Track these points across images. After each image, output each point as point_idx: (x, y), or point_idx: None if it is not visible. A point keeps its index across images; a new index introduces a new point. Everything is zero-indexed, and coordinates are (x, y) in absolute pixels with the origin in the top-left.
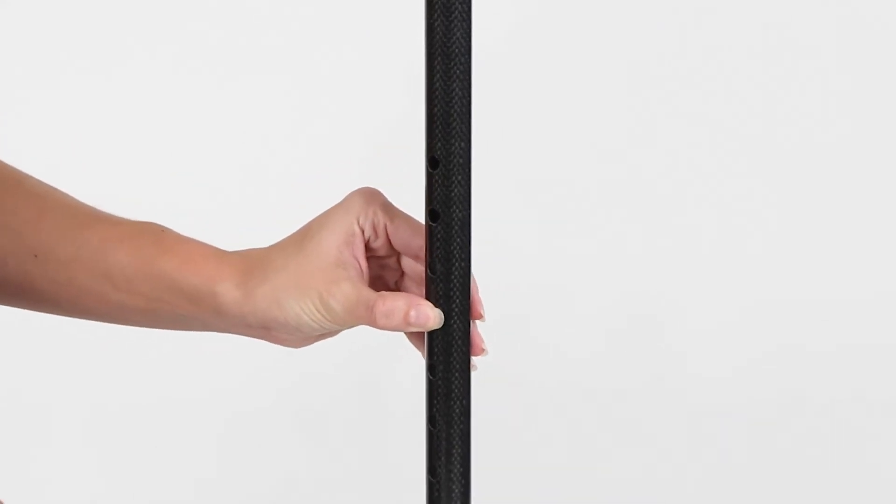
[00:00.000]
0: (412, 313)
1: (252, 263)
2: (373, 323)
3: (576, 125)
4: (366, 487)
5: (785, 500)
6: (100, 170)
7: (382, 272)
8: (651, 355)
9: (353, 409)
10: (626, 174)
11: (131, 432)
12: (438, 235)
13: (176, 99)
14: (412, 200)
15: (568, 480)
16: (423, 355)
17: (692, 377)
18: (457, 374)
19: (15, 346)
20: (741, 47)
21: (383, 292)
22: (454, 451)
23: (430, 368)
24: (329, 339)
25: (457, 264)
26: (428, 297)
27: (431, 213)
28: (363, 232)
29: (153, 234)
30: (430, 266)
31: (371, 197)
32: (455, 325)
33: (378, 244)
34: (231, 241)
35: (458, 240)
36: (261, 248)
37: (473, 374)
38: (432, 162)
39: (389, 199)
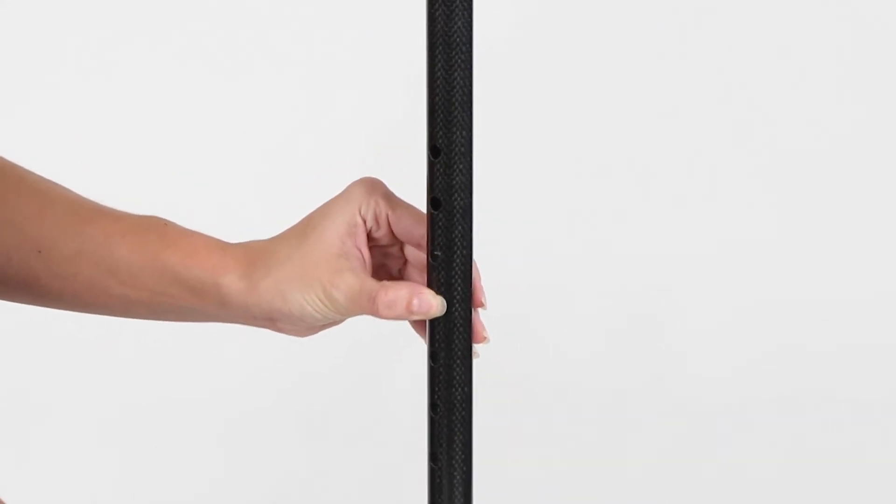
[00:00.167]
0: (414, 302)
1: (255, 255)
2: (375, 313)
3: (576, 125)
4: (366, 487)
5: (785, 499)
6: (101, 168)
7: (385, 261)
8: (651, 355)
9: (354, 408)
10: (626, 173)
11: (132, 432)
12: (440, 223)
13: (177, 96)
14: (414, 198)
15: (568, 480)
16: (425, 342)
17: (692, 377)
18: (458, 361)
19: (16, 346)
20: (741, 47)
21: (385, 282)
22: (455, 437)
23: (432, 355)
24: (329, 340)
25: (458, 252)
26: (429, 285)
27: (433, 201)
28: (365, 222)
29: (156, 228)
30: (431, 254)
31: (372, 187)
32: (457, 313)
33: (380, 234)
34: (232, 239)
35: (460, 227)
36: (263, 240)
37: (474, 373)
38: (434, 150)
39: (391, 189)
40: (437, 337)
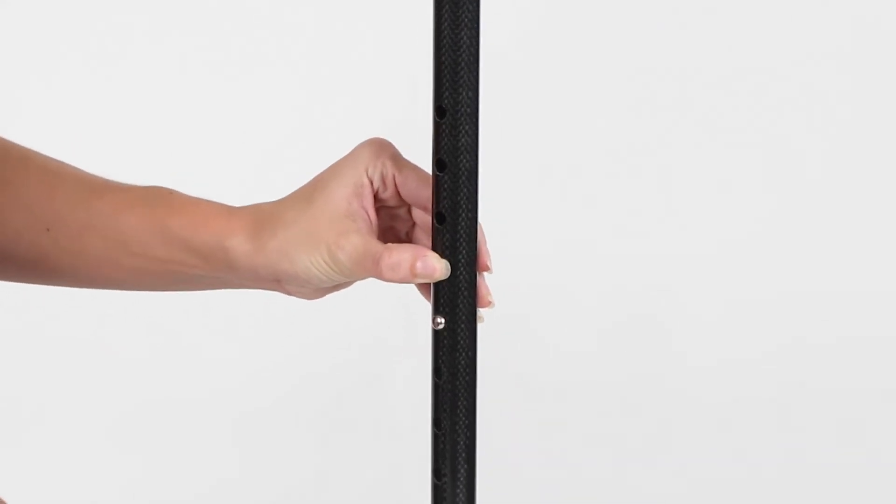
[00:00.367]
0: (418, 265)
1: (262, 217)
2: (379, 275)
3: (575, 125)
4: (366, 487)
5: (787, 495)
6: (101, 168)
7: (393, 223)
8: (651, 354)
9: (354, 408)
10: (626, 173)
11: (132, 433)
12: (445, 185)
13: (177, 98)
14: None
15: (569, 479)
16: (430, 305)
17: (692, 375)
18: (463, 326)
19: (21, 345)
20: (740, 47)
21: (390, 244)
22: (459, 402)
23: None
24: (329, 340)
25: (463, 214)
26: (434, 248)
27: (438, 162)
28: (372, 183)
29: (162, 197)
30: (436, 216)
31: (380, 148)
32: (461, 276)
33: (387, 195)
34: None
35: (465, 190)
36: (271, 202)
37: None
38: (439, 111)
39: (399, 151)
40: (442, 301)
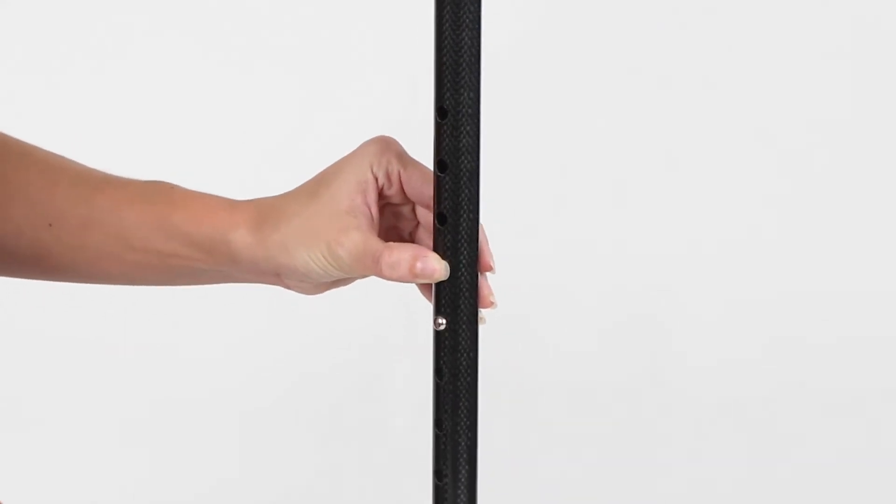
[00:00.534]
0: (418, 265)
1: (265, 210)
2: (379, 273)
3: (576, 125)
4: (367, 487)
5: (787, 495)
6: (103, 164)
7: (397, 222)
8: (651, 353)
9: (354, 408)
10: (626, 173)
11: (132, 433)
12: (447, 186)
13: (178, 97)
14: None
15: (570, 479)
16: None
17: (692, 375)
18: (464, 326)
19: (18, 347)
20: (739, 47)
21: (391, 243)
22: (461, 403)
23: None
24: (330, 340)
25: (465, 215)
26: (436, 249)
27: (440, 163)
28: (377, 179)
29: (163, 192)
30: (438, 217)
31: (386, 145)
32: (463, 277)
33: (392, 192)
34: None
35: (467, 191)
36: (274, 196)
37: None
38: (441, 112)
39: (404, 149)
40: (443, 301)
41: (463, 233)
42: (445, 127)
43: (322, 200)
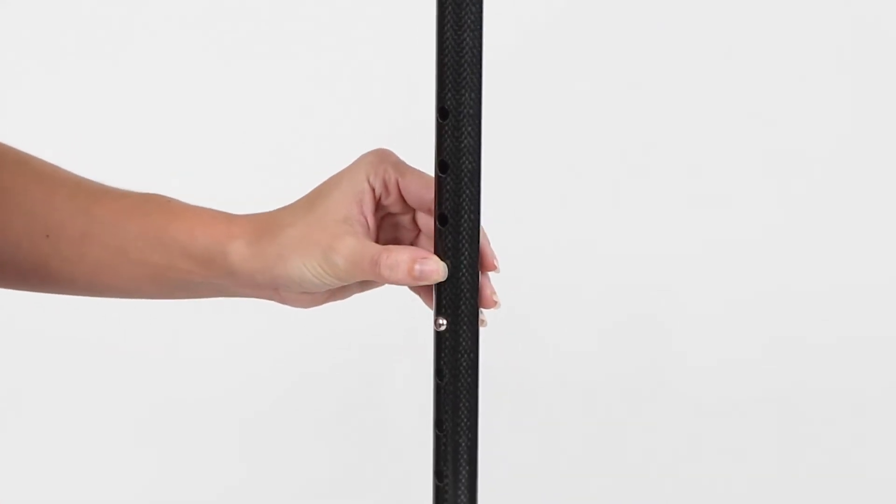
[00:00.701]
0: (417, 266)
1: (263, 223)
2: (378, 276)
3: (577, 125)
4: (367, 488)
5: (788, 495)
6: (101, 168)
7: (397, 233)
8: (651, 354)
9: (354, 409)
10: (626, 173)
11: (132, 434)
12: (448, 187)
13: (178, 100)
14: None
15: (570, 480)
16: (432, 308)
17: (692, 375)
18: (464, 327)
19: (21, 349)
20: (739, 47)
21: (389, 246)
22: (461, 403)
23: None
24: (330, 340)
25: (466, 216)
26: (437, 250)
27: (441, 164)
28: (374, 190)
29: (160, 204)
30: (439, 217)
31: (382, 155)
32: (464, 278)
33: (390, 201)
34: None
35: (468, 191)
36: (271, 210)
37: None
38: (442, 112)
39: (401, 158)
40: (444, 302)
41: (464, 233)
42: (447, 127)
43: (318, 211)
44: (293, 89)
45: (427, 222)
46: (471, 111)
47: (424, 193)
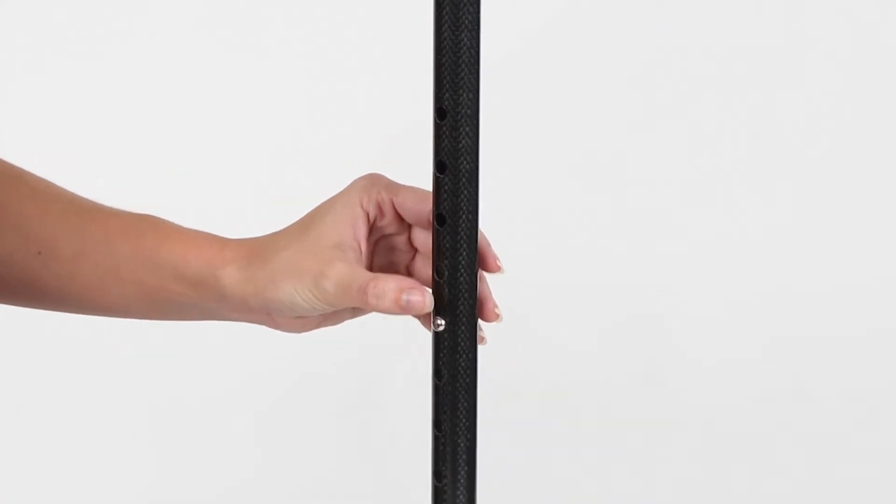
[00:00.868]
0: (403, 297)
1: (255, 248)
2: (365, 304)
3: (576, 125)
4: (366, 488)
5: (788, 494)
6: (100, 170)
7: (393, 256)
8: (652, 354)
9: (354, 409)
10: (626, 173)
11: (131, 433)
12: (446, 187)
13: (179, 100)
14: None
15: (569, 480)
16: (430, 329)
17: (693, 374)
18: (463, 327)
19: (27, 348)
20: (739, 46)
21: (378, 274)
22: (460, 404)
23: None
24: (330, 340)
25: (464, 216)
26: (435, 251)
27: (439, 164)
28: (368, 214)
29: (154, 225)
30: (437, 218)
31: (374, 179)
32: (462, 278)
33: (386, 222)
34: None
35: (466, 191)
36: (264, 235)
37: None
38: (440, 113)
39: (392, 179)
40: (443, 303)
41: (462, 233)
42: (444, 128)
43: (311, 236)
44: (292, 90)
45: (423, 239)
46: (468, 111)
47: (421, 207)
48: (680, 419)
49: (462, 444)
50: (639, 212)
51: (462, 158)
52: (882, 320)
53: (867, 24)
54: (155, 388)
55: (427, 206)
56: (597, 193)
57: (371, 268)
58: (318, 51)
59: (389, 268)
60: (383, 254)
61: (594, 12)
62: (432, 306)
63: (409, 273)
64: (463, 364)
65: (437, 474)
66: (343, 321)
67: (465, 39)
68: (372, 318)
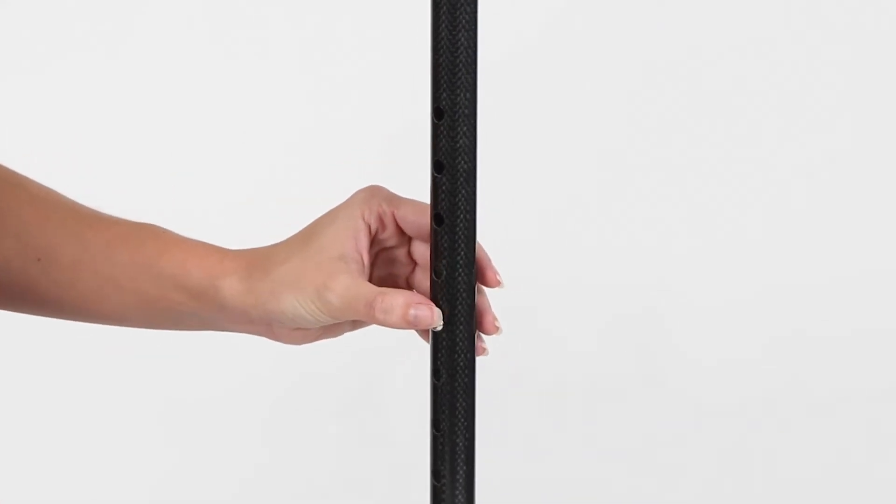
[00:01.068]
0: (411, 312)
1: (256, 259)
2: (372, 319)
3: (574, 124)
4: (365, 488)
5: (788, 493)
6: (100, 171)
7: (393, 268)
8: (651, 353)
9: (353, 409)
10: (625, 172)
11: (130, 434)
12: (443, 187)
13: (177, 101)
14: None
15: (569, 480)
16: (427, 341)
17: (693, 373)
18: (461, 327)
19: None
20: (739, 46)
21: (385, 288)
22: (458, 403)
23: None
24: (330, 340)
25: (462, 216)
26: (432, 251)
27: (436, 164)
28: (369, 226)
29: (153, 234)
30: (434, 218)
31: (375, 191)
32: (460, 278)
33: (387, 234)
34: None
35: (464, 191)
36: (266, 246)
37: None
38: (437, 112)
39: (393, 192)
40: (441, 303)
41: (460, 233)
42: (442, 128)
43: (312, 248)
44: (290, 90)
45: (422, 252)
46: (466, 111)
47: (421, 220)
48: (680, 419)
49: (460, 444)
50: (638, 211)
51: (460, 158)
52: (882, 320)
53: (867, 24)
54: (155, 388)
55: (427, 219)
56: (596, 192)
57: (371, 279)
58: (316, 51)
59: (389, 280)
60: (383, 266)
61: (592, 12)
62: (441, 322)
63: (408, 285)
64: (461, 364)
65: (436, 474)
66: (343, 333)
67: (463, 39)
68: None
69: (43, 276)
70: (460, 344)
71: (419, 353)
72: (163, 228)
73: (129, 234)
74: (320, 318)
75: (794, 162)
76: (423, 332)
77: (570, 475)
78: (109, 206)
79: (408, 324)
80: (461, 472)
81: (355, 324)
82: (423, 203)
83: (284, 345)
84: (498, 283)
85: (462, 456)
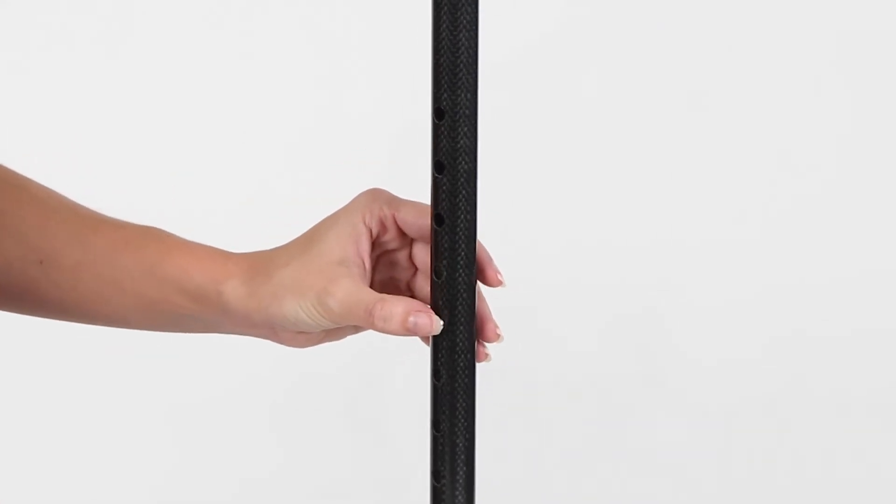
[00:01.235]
0: (410, 319)
1: (258, 263)
2: (371, 325)
3: (574, 123)
4: (365, 488)
5: (789, 493)
6: (101, 172)
7: (394, 272)
8: (652, 353)
9: (354, 409)
10: (625, 172)
11: (130, 434)
12: (444, 188)
13: (175, 101)
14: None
15: (568, 480)
16: (428, 345)
17: (693, 373)
18: (461, 328)
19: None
20: (740, 46)
21: (384, 295)
22: (458, 404)
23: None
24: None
25: (462, 217)
26: (433, 252)
27: (437, 164)
28: (370, 230)
29: (156, 237)
30: (435, 218)
31: (376, 194)
32: (461, 278)
33: (388, 237)
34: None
35: (464, 192)
36: (268, 250)
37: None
38: (438, 113)
39: (395, 194)
40: (441, 304)
41: (461, 234)
42: (443, 128)
43: (314, 252)
44: (290, 90)
45: (423, 256)
46: (467, 112)
47: (422, 221)
48: (680, 419)
49: (461, 444)
50: (637, 211)
51: (460, 159)
52: (882, 320)
53: (867, 23)
54: (155, 388)
55: (428, 221)
56: (596, 192)
57: (372, 283)
58: (317, 51)
59: (390, 283)
60: (384, 269)
61: (593, 12)
62: (440, 329)
63: (409, 289)
64: (461, 364)
65: (436, 474)
66: (346, 336)
67: (464, 39)
68: None
69: (44, 278)
70: (460, 345)
71: (419, 354)
72: (166, 232)
73: (132, 237)
74: (321, 322)
75: (794, 162)
76: (423, 337)
77: (570, 475)
78: (111, 206)
79: (407, 331)
80: (461, 472)
81: (358, 328)
82: (423, 204)
83: (283, 346)
84: (499, 283)
85: (462, 456)
